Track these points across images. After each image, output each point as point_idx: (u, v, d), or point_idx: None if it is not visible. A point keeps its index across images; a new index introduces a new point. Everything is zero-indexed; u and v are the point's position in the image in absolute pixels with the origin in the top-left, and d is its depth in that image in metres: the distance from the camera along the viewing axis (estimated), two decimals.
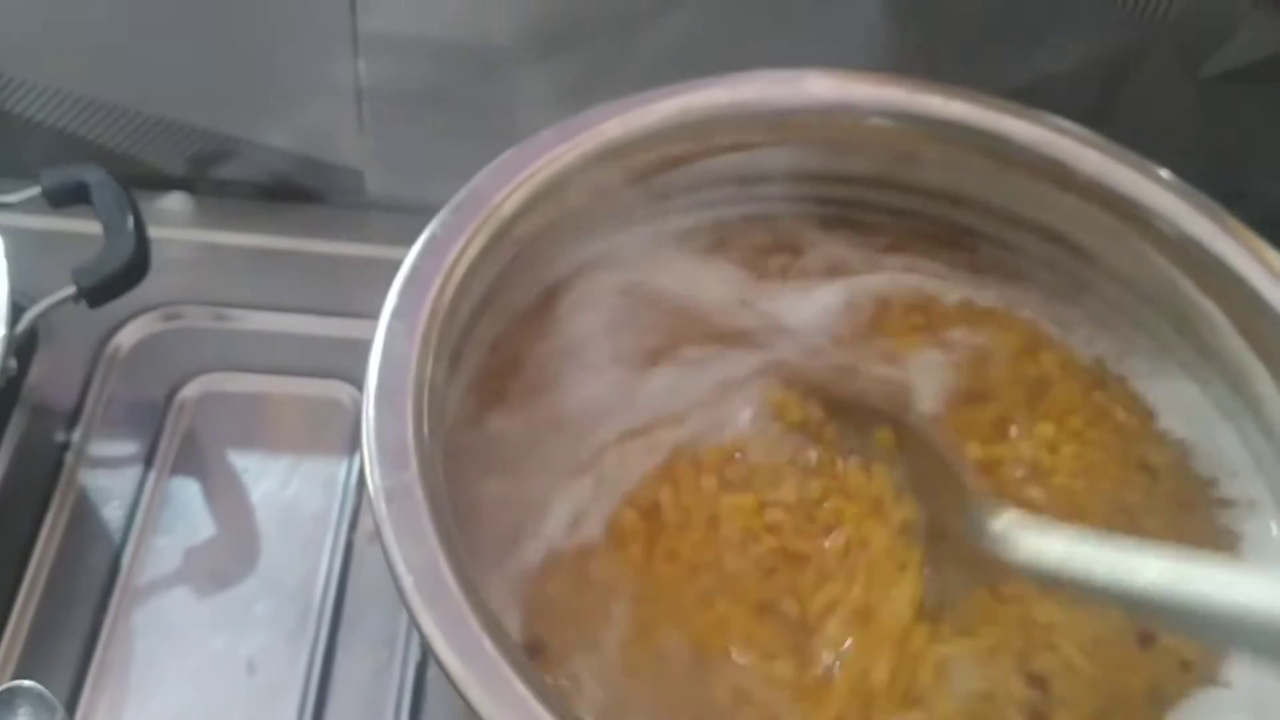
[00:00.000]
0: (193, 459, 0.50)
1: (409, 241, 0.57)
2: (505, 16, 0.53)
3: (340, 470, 0.50)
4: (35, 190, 0.48)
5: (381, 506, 0.34)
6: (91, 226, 0.48)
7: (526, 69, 0.55)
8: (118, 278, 0.46)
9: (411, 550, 0.34)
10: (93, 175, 0.48)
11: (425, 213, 0.60)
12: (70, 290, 0.45)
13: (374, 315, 0.54)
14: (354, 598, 0.47)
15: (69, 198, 0.48)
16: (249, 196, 0.59)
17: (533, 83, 0.55)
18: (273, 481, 0.50)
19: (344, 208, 0.60)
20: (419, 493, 0.35)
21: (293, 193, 0.59)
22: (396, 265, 0.57)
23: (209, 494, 0.49)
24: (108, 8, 0.53)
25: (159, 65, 0.54)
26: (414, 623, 0.33)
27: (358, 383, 0.53)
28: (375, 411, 0.36)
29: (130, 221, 0.47)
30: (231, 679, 0.44)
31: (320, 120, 0.57)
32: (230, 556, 0.48)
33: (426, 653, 0.45)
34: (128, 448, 0.50)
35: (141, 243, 0.47)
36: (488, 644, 0.32)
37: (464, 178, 0.59)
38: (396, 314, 0.39)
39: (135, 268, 0.46)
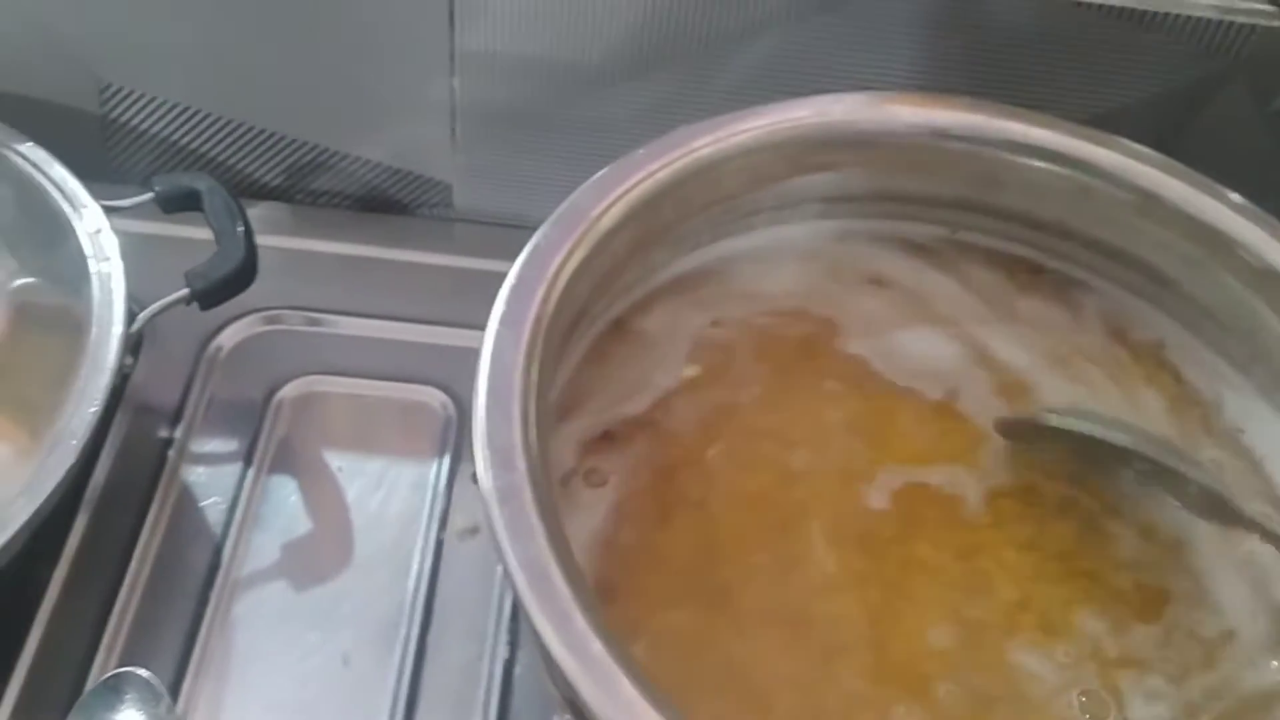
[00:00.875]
0: (289, 458, 0.52)
1: (494, 253, 0.59)
2: (597, 37, 0.55)
3: (430, 472, 0.52)
4: (146, 196, 0.50)
5: (494, 507, 0.36)
6: (194, 231, 0.50)
7: (613, 89, 0.56)
8: (229, 282, 0.47)
9: (522, 549, 0.35)
10: (203, 183, 0.50)
11: (509, 226, 0.62)
12: (183, 292, 0.47)
13: (461, 323, 0.56)
14: (444, 595, 0.48)
15: (180, 204, 0.50)
16: (341, 206, 0.61)
17: (619, 102, 0.57)
18: (366, 481, 0.51)
19: (432, 219, 0.62)
20: (528, 493, 0.36)
21: (383, 204, 0.61)
22: (482, 276, 0.58)
23: (305, 492, 0.51)
24: (217, 25, 0.55)
25: (263, 79, 0.56)
26: (527, 619, 0.34)
27: (446, 387, 0.55)
28: (485, 415, 0.38)
29: (240, 228, 0.49)
30: (327, 671, 0.46)
31: (414, 135, 0.58)
32: (326, 553, 0.49)
33: (525, 648, 0.47)
34: (228, 445, 0.52)
35: (250, 248, 0.48)
36: (596, 646, 0.34)
37: (548, 193, 0.61)
38: (504, 321, 0.41)
39: (245, 272, 0.48)
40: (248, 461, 0.51)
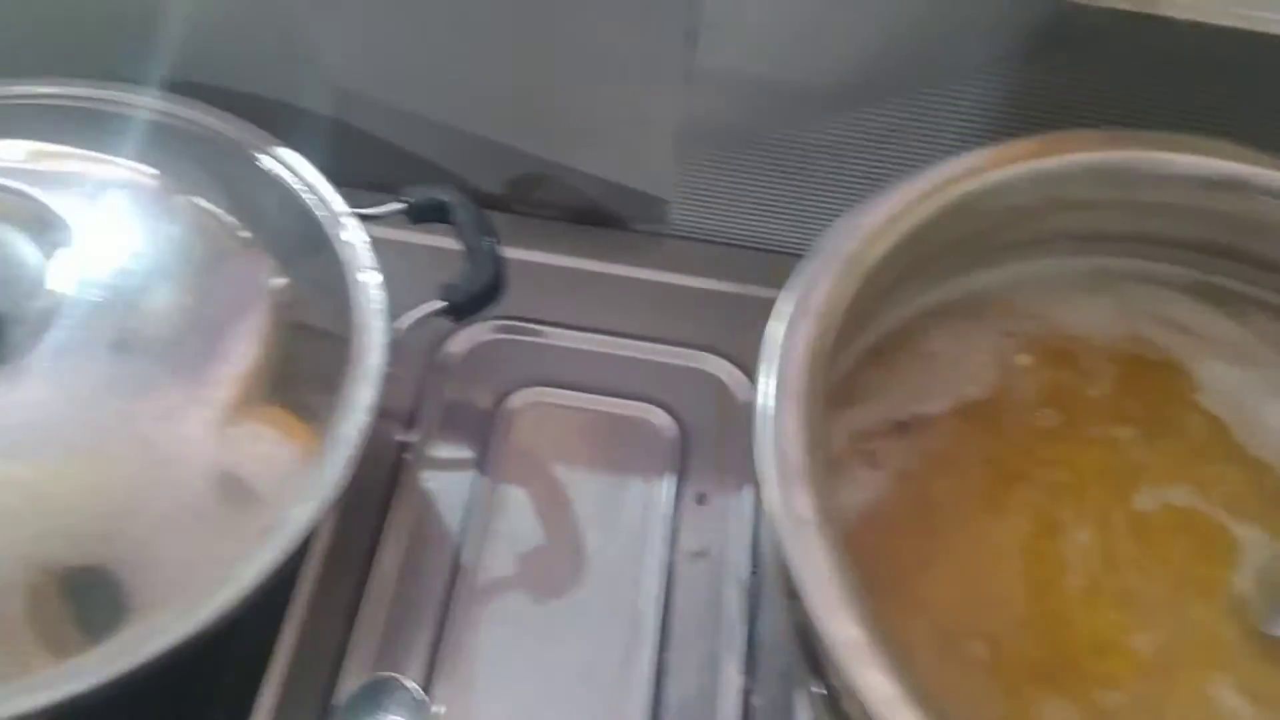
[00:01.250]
0: (519, 467, 0.52)
1: (708, 271, 0.59)
2: (833, 60, 0.54)
3: (656, 491, 0.52)
4: (398, 205, 0.51)
5: (789, 545, 0.36)
6: (423, 238, 0.51)
7: (844, 113, 0.56)
8: (483, 295, 0.48)
9: (817, 589, 0.35)
10: (452, 195, 0.50)
11: (723, 244, 0.62)
12: (440, 304, 0.48)
13: (680, 341, 0.56)
14: (678, 617, 0.48)
15: (429, 215, 0.51)
16: (556, 218, 0.62)
17: (848, 127, 0.56)
18: (594, 496, 0.52)
19: (646, 235, 0.62)
20: (819, 530, 0.36)
21: (599, 217, 0.62)
22: (699, 294, 0.59)
23: (535, 503, 0.51)
24: (453, 37, 0.55)
25: (494, 92, 0.57)
26: (825, 664, 0.35)
27: (668, 406, 0.55)
28: (768, 451, 0.38)
29: (490, 242, 0.49)
30: (570, 686, 0.46)
31: (638, 151, 0.58)
32: (559, 566, 0.50)
33: (763, 679, 0.46)
34: (460, 452, 0.52)
35: (500, 263, 0.49)
36: (894, 690, 0.34)
37: (765, 215, 0.61)
38: (776, 357, 0.41)
39: (497, 286, 0.49)
40: (479, 469, 0.52)
